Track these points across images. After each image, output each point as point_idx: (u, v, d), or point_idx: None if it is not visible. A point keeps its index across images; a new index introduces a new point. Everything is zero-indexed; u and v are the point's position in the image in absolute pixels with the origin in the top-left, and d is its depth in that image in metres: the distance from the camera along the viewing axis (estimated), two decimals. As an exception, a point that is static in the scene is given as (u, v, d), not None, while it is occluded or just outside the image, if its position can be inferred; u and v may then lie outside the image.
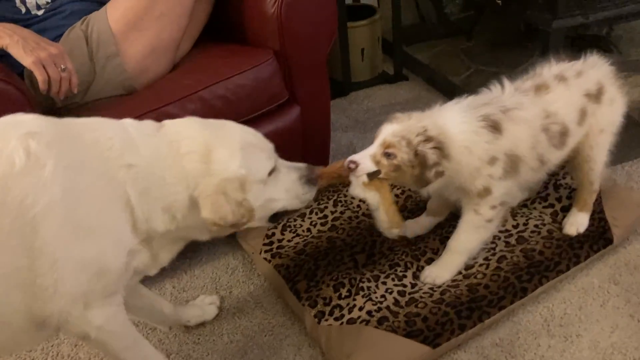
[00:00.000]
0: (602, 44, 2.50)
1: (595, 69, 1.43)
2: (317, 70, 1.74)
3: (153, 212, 1.08)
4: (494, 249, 1.54)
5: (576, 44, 2.46)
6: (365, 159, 1.30)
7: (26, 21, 1.56)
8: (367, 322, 1.37)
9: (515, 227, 1.60)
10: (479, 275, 1.47)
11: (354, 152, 2.18)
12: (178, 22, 1.61)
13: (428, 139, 1.27)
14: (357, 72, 2.61)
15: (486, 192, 1.35)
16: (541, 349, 1.35)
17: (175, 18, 1.60)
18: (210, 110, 1.53)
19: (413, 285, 1.48)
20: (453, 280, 1.47)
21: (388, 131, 1.30)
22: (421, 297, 1.43)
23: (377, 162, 1.29)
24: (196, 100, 1.52)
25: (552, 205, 1.67)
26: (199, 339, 1.48)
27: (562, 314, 1.43)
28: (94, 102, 1.55)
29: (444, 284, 1.46)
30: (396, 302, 1.42)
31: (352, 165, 1.30)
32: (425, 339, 1.32)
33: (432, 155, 1.26)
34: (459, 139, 1.30)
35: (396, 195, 1.77)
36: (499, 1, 2.32)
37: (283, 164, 1.22)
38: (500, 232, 1.58)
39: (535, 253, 1.51)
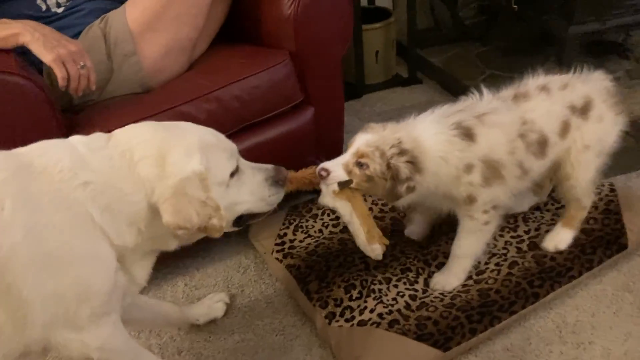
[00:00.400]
0: (618, 51, 2.49)
1: (585, 83, 1.40)
2: (332, 72, 1.75)
3: (119, 227, 1.04)
4: (505, 254, 1.54)
5: (593, 51, 2.45)
6: (337, 167, 1.27)
7: (46, 19, 1.58)
8: (378, 324, 1.37)
9: (527, 232, 1.60)
10: (490, 281, 1.46)
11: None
12: (194, 23, 1.62)
13: (402, 152, 1.25)
14: (371, 74, 2.62)
15: (470, 199, 1.34)
16: (553, 356, 1.35)
17: (192, 18, 1.61)
18: (225, 111, 1.54)
19: (424, 290, 1.48)
20: (464, 285, 1.47)
21: (362, 140, 1.27)
22: (432, 301, 1.43)
23: (349, 172, 1.27)
24: (212, 100, 1.52)
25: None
26: (210, 336, 1.48)
27: (574, 321, 1.42)
28: (111, 100, 1.57)
29: (454, 289, 1.46)
30: (407, 306, 1.42)
31: (324, 173, 1.27)
32: (435, 343, 1.32)
33: (404, 170, 1.24)
34: (434, 149, 1.28)
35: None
36: (515, 6, 2.31)
37: (248, 165, 1.18)
38: (512, 237, 1.58)
39: (547, 259, 1.50)
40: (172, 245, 1.13)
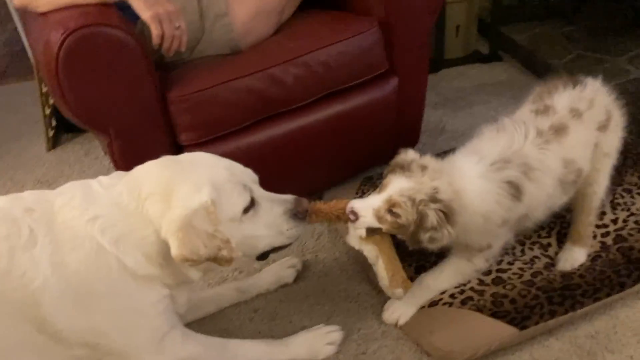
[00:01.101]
0: None
1: (599, 93, 1.34)
2: (420, 42, 1.70)
3: (138, 259, 1.07)
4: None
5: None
6: (367, 212, 1.22)
7: (142, -23, 1.61)
8: (450, 304, 1.36)
9: (614, 221, 1.53)
10: (574, 265, 1.43)
11: (444, 130, 2.11)
12: (285, -15, 1.62)
13: (434, 200, 1.18)
14: (450, 49, 2.55)
15: (488, 246, 1.31)
16: (640, 347, 1.30)
17: (282, -19, 1.61)
18: (312, 76, 1.54)
19: (499, 263, 1.44)
20: (546, 264, 1.44)
21: (396, 188, 1.20)
22: (509, 278, 1.40)
23: (380, 218, 1.21)
24: (300, 65, 1.52)
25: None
26: (285, 297, 1.51)
27: (664, 313, 1.37)
28: (201, 60, 1.59)
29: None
30: (480, 282, 1.40)
31: (352, 217, 1.23)
32: (512, 320, 1.30)
33: (433, 218, 1.17)
34: (477, 207, 1.22)
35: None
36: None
37: (266, 197, 1.15)
38: (597, 227, 1.51)
39: (635, 251, 1.44)
40: (195, 276, 1.15)
